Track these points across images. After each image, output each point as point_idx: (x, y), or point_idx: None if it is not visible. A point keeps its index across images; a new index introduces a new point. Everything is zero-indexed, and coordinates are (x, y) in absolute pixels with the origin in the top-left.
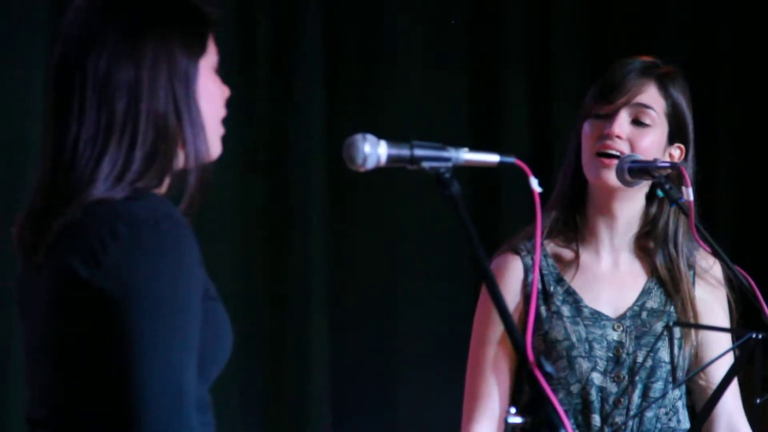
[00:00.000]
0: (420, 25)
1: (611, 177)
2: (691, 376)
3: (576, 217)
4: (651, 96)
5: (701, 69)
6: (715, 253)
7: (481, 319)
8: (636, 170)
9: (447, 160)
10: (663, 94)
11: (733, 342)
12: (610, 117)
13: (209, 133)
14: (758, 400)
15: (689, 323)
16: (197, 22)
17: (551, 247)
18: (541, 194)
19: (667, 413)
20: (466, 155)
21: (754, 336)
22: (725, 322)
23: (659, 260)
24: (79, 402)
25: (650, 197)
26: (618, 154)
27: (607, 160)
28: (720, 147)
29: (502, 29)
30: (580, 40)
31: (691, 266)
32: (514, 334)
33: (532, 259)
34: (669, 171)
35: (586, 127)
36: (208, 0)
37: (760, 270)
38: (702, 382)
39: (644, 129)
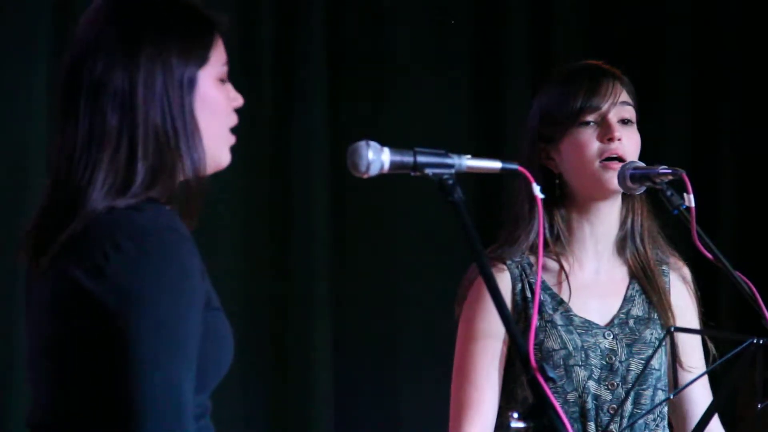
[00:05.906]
0: (423, 30)
1: (616, 181)
2: (690, 383)
3: (555, 225)
4: (625, 93)
5: (703, 69)
6: (716, 260)
7: (470, 326)
8: (638, 177)
9: (450, 166)
10: (627, 89)
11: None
12: (600, 122)
13: (213, 143)
14: (760, 406)
15: (690, 329)
16: (199, 31)
17: (533, 258)
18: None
19: (654, 419)
20: (469, 162)
21: (755, 341)
22: (695, 322)
23: (629, 255)
24: (77, 409)
25: (622, 198)
26: (623, 157)
27: (615, 164)
28: (722, 152)
29: (505, 33)
30: (584, 45)
31: (662, 262)
32: (517, 338)
33: (518, 267)
34: (670, 177)
35: (579, 137)
36: (214, 7)
37: (762, 275)
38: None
39: (630, 126)
